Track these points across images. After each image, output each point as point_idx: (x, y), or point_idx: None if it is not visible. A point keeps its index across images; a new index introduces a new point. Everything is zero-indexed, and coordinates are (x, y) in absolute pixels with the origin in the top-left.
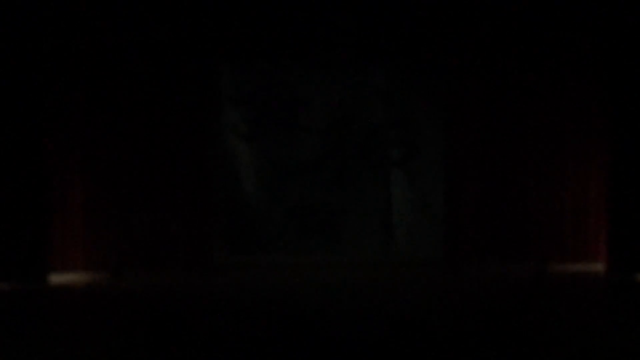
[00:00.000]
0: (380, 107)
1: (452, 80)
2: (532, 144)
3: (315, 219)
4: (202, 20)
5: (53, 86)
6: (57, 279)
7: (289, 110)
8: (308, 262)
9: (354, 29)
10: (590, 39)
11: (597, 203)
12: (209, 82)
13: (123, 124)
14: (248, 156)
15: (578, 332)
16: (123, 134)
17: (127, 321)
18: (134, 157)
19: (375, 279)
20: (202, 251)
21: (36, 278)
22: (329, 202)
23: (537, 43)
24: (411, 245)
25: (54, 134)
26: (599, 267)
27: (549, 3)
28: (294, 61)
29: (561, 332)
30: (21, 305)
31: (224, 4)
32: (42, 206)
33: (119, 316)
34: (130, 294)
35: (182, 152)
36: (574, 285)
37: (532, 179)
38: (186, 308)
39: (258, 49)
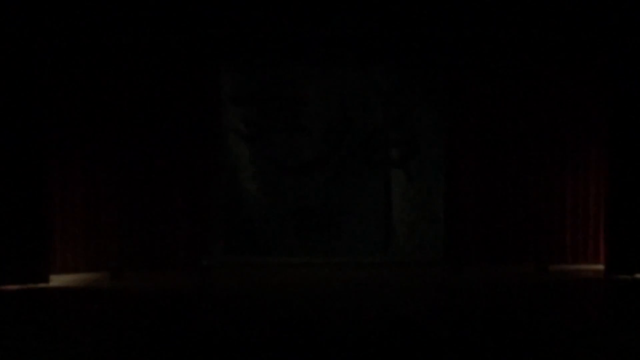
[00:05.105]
0: (380, 107)
1: (452, 80)
2: (532, 144)
3: (315, 219)
4: (202, 20)
5: (53, 88)
6: (58, 279)
7: (289, 110)
8: (307, 262)
9: (354, 29)
10: (590, 40)
11: (596, 204)
12: (209, 82)
13: (123, 124)
14: (248, 156)
15: (577, 332)
16: (123, 135)
17: (127, 321)
18: (133, 157)
19: (375, 279)
20: (201, 251)
21: (38, 279)
22: (329, 202)
23: (537, 44)
24: (411, 245)
25: (54, 136)
26: (598, 267)
27: (549, 4)
28: (294, 61)
29: (561, 331)
30: (23, 306)
31: (224, 4)
32: (43, 208)
33: (119, 316)
34: (130, 294)
35: (182, 153)
36: (573, 286)
37: (532, 179)
38: (185, 308)
39: (258, 49)
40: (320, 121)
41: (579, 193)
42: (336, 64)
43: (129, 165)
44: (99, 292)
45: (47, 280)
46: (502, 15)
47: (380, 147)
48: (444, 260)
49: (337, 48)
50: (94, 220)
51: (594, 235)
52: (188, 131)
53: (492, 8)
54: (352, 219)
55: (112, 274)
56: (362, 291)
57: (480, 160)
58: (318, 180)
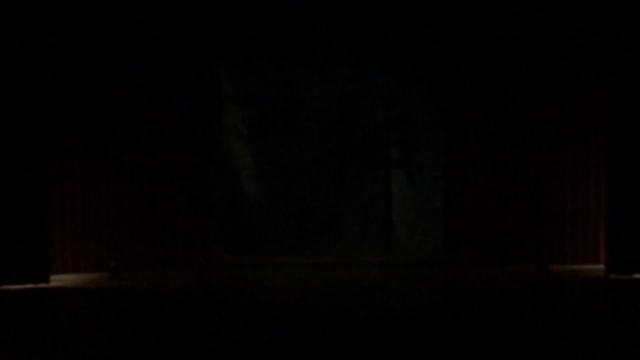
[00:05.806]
0: (380, 107)
1: (452, 80)
2: (532, 144)
3: (315, 219)
4: (202, 20)
5: (53, 88)
6: (58, 279)
7: (289, 111)
8: (308, 262)
9: (354, 30)
10: (590, 41)
11: (596, 204)
12: (209, 82)
13: (123, 124)
14: (248, 156)
15: (577, 332)
16: (123, 135)
17: (127, 321)
18: (133, 157)
19: (375, 279)
20: (201, 251)
21: (38, 279)
22: (329, 202)
23: (537, 44)
24: (411, 245)
25: (54, 137)
26: (598, 267)
27: (549, 5)
28: (294, 61)
29: (561, 331)
30: (23, 306)
31: (223, 4)
32: (43, 209)
33: (119, 316)
34: (130, 294)
35: (182, 153)
36: (573, 286)
37: (532, 179)
38: (185, 308)
39: (258, 49)
40: (320, 121)
41: (579, 193)
42: (336, 64)
43: (128, 165)
44: (99, 292)
45: (47, 280)
46: (502, 16)
47: (380, 147)
48: (444, 260)
49: (337, 48)
50: (94, 220)
51: (594, 235)
52: (188, 131)
53: (492, 8)
54: (352, 219)
55: (112, 274)
56: (362, 291)
57: (480, 160)
58: (318, 180)
